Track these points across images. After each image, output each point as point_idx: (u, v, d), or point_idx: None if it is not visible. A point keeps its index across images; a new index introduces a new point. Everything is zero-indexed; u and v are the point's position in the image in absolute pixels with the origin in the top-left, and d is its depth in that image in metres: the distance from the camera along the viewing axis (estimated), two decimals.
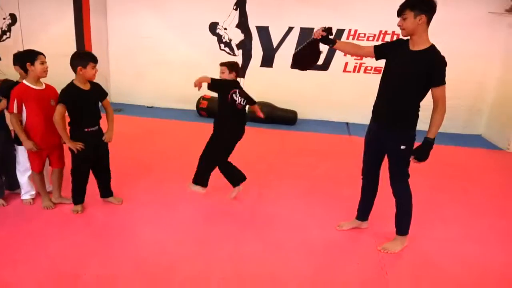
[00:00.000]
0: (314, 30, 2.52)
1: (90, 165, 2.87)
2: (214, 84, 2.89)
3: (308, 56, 2.65)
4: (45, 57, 2.70)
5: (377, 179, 2.69)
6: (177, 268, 2.29)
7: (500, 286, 2.33)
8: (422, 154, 2.32)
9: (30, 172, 2.92)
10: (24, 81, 2.66)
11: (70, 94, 2.64)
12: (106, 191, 3.05)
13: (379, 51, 2.45)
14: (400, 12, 2.25)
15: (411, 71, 2.26)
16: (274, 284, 2.21)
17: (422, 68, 2.20)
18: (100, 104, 2.86)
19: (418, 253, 2.59)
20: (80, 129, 2.72)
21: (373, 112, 2.54)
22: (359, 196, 2.82)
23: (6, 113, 2.78)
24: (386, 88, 2.41)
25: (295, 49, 2.74)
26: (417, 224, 2.57)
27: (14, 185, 3.06)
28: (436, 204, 3.36)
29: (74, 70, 2.63)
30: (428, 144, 2.29)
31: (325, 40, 2.53)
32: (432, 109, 2.27)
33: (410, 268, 2.44)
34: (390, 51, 2.41)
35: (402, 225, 2.58)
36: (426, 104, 2.33)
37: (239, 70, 3.14)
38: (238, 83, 3.10)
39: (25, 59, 2.62)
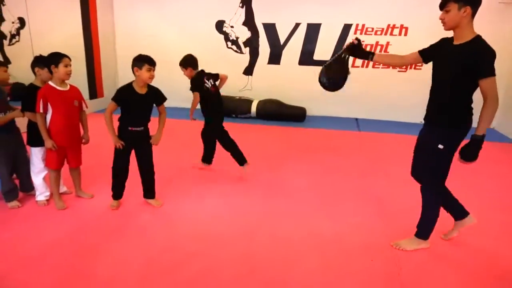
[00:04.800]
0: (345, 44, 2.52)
1: (128, 162, 2.90)
2: (192, 87, 3.45)
3: (336, 71, 2.57)
4: (70, 60, 2.77)
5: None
6: (188, 264, 2.30)
7: None
8: (468, 153, 2.12)
9: (44, 173, 2.97)
10: (50, 82, 2.77)
11: (122, 94, 2.72)
12: (148, 192, 3.08)
13: (425, 54, 2.37)
14: (443, 5, 2.13)
15: (455, 65, 2.12)
16: (285, 280, 2.20)
17: (467, 60, 2.05)
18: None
19: (433, 249, 2.55)
20: (125, 127, 2.79)
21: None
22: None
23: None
24: (433, 86, 2.32)
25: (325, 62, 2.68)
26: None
27: (29, 187, 3.11)
28: None
29: (133, 71, 2.71)
30: (474, 142, 2.10)
31: (362, 54, 2.51)
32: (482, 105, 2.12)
33: (425, 264, 2.40)
34: (436, 51, 2.31)
35: (422, 228, 2.50)
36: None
37: (192, 61, 3.56)
38: (201, 72, 3.54)
39: (50, 61, 2.72)
